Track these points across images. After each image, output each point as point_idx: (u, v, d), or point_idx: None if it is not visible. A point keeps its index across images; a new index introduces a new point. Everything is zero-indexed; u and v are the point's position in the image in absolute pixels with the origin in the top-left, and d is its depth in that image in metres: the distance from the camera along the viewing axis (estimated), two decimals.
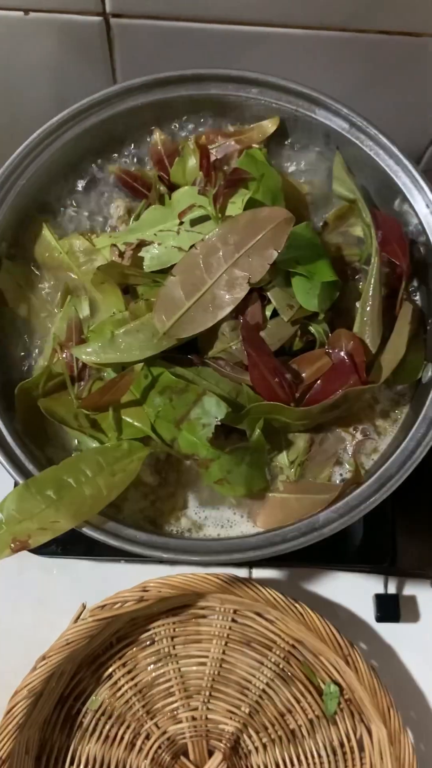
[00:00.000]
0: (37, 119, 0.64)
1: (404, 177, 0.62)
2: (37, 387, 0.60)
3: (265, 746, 0.78)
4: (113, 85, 0.66)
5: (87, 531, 0.55)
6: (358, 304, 0.61)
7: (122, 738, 0.78)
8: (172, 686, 0.79)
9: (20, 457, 0.57)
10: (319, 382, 0.59)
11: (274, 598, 0.73)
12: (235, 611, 0.80)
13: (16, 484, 0.71)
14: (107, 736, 0.78)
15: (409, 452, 0.57)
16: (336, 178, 0.64)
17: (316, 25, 0.66)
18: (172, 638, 0.80)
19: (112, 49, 0.70)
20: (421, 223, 0.62)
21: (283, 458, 0.61)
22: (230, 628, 0.80)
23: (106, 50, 0.70)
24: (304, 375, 0.59)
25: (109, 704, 0.78)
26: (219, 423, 0.56)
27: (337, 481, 0.61)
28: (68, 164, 0.66)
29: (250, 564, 0.82)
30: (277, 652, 0.79)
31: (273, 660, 0.79)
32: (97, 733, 0.78)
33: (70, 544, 0.77)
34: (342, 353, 0.59)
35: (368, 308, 0.59)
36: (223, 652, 0.80)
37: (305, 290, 0.58)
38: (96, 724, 0.78)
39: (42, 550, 0.78)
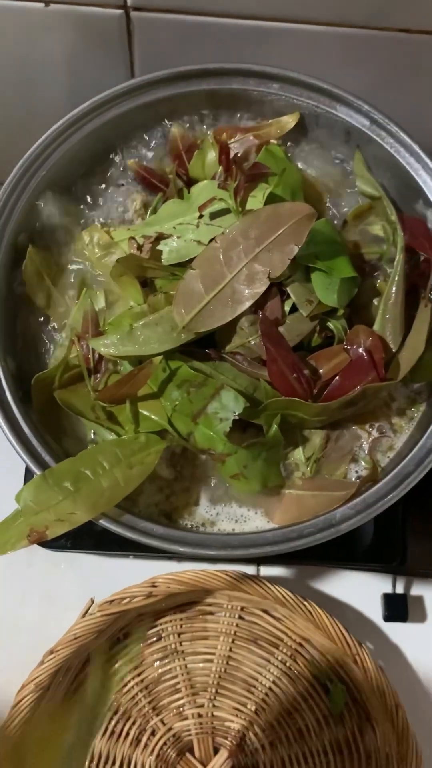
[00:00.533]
0: (55, 112, 0.64)
1: (425, 175, 0.62)
2: (54, 379, 0.60)
3: (271, 744, 0.77)
4: (131, 78, 0.66)
5: (103, 523, 0.55)
6: (375, 301, 0.61)
7: (128, 734, 0.78)
8: (178, 683, 0.79)
9: (37, 447, 0.57)
10: (337, 378, 0.59)
11: (282, 596, 0.73)
12: (242, 608, 0.79)
13: (27, 474, 0.71)
14: (113, 732, 0.78)
15: (427, 450, 0.57)
16: (359, 177, 0.64)
17: (337, 21, 0.66)
18: (179, 635, 0.80)
19: (132, 43, 0.70)
20: None
21: (298, 454, 0.60)
22: (237, 626, 0.80)
23: (125, 44, 0.70)
24: (322, 371, 0.59)
25: (115, 700, 0.78)
26: (236, 417, 0.56)
27: (353, 479, 0.61)
28: (87, 157, 0.66)
29: (258, 561, 0.82)
30: (284, 650, 0.79)
31: (280, 658, 0.79)
32: (102, 729, 0.77)
33: (80, 538, 0.77)
34: (360, 349, 0.58)
35: (390, 305, 0.59)
36: (230, 650, 0.79)
37: (325, 286, 0.58)
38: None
39: (51, 544, 0.78)
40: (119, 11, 0.66)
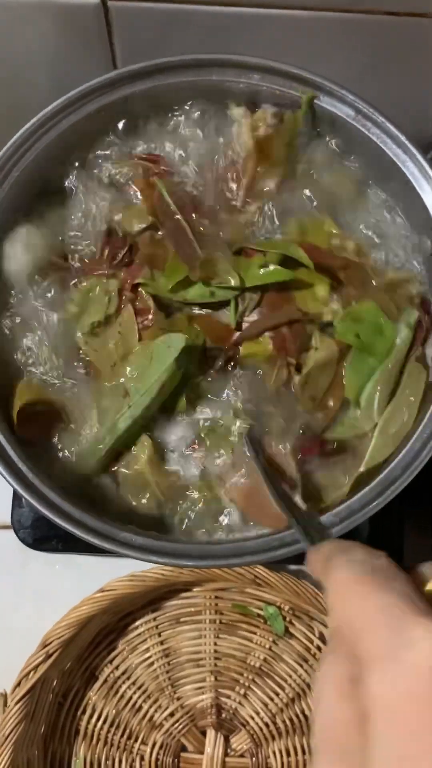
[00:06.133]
0: (36, 106, 0.62)
1: (412, 166, 0.59)
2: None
3: (245, 696, 0.79)
4: (113, 70, 0.64)
5: (82, 534, 0.54)
6: None
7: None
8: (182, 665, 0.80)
9: (18, 464, 0.55)
10: None
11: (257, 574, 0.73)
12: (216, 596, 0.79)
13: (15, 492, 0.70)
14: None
15: (415, 453, 0.55)
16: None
17: (320, 6, 0.63)
18: (159, 634, 0.80)
19: (111, 34, 0.68)
20: (430, 216, 0.59)
21: None
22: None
23: (104, 35, 0.68)
24: None
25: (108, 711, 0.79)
26: None
27: None
28: (66, 152, 0.63)
29: None
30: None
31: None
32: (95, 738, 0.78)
33: (72, 541, 0.75)
34: None
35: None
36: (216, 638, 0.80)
37: (357, 370, 0.58)
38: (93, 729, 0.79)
39: (43, 547, 0.77)
40: (96, 1, 0.64)
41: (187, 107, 0.64)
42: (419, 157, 0.59)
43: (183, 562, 0.53)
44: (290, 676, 0.78)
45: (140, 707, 0.79)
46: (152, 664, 0.79)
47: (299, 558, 0.53)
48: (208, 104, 0.63)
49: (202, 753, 0.77)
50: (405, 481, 0.55)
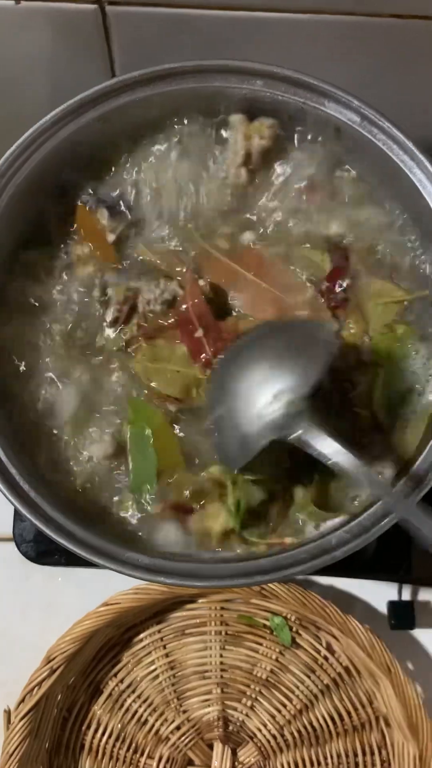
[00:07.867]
0: (34, 114, 0.61)
1: (419, 173, 0.58)
2: None
3: (252, 708, 0.78)
4: (112, 76, 0.62)
5: (87, 555, 0.53)
6: None
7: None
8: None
9: (20, 483, 0.54)
10: None
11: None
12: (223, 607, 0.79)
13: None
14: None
15: (426, 469, 0.54)
16: None
17: (324, 9, 0.62)
18: (164, 646, 0.79)
19: (109, 39, 0.66)
20: None
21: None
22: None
23: (102, 40, 0.66)
24: None
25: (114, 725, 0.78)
26: None
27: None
28: (65, 162, 0.62)
29: None
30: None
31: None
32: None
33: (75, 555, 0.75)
34: None
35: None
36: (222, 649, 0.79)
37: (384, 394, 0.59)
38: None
39: (45, 560, 0.77)
40: (93, 6, 0.63)
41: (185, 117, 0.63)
42: (426, 162, 0.58)
43: (191, 582, 0.52)
44: (297, 687, 0.77)
45: (146, 721, 0.78)
46: (157, 676, 0.78)
47: None
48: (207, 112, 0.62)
49: (209, 766, 0.77)
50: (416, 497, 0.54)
